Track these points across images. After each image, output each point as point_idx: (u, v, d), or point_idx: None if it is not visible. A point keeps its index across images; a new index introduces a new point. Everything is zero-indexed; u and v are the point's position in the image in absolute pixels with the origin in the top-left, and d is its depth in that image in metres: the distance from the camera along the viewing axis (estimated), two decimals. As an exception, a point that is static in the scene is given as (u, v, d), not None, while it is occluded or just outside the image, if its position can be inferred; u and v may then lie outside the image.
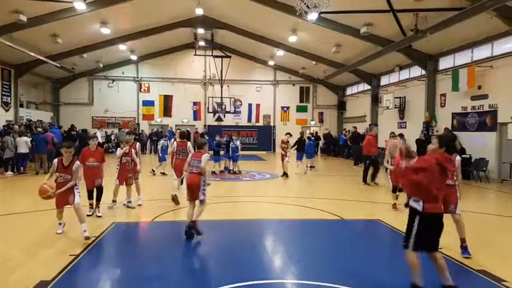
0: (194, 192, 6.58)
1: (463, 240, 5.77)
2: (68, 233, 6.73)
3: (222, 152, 15.95)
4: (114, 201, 8.87)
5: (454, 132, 16.30)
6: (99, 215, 7.91)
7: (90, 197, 8.05)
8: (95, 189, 8.04)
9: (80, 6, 15.31)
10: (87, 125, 26.60)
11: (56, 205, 6.48)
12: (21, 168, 15.75)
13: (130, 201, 9.03)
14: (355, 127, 24.84)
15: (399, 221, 7.35)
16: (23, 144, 15.52)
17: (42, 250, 5.84)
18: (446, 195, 5.13)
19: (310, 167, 17.71)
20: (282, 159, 15.65)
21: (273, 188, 13.14)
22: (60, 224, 6.76)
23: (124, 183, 8.90)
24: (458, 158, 5.81)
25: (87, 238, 6.16)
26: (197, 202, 6.65)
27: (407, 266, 4.33)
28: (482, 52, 15.38)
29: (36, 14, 16.28)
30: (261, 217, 8.56)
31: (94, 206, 8.03)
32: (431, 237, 4.22)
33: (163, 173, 15.22)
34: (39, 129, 17.85)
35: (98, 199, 8.08)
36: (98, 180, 8.03)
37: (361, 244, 6.73)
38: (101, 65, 26.83)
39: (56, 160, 6.51)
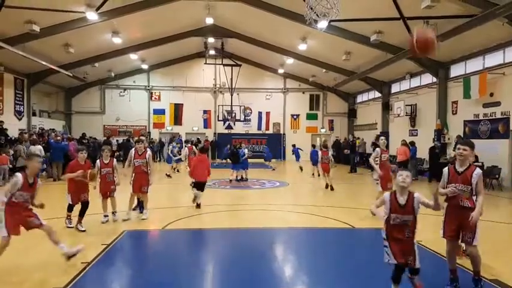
0: None
1: (476, 273, 4.75)
2: (79, 241, 6.76)
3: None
4: (105, 215, 8.26)
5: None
6: (82, 229, 7.40)
7: (70, 209, 7.67)
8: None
9: (92, 16, 15.60)
10: (98, 134, 26.93)
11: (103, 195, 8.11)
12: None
13: (106, 215, 8.24)
14: (353, 136, 25.85)
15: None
16: (36, 152, 15.70)
17: (54, 258, 5.86)
18: (462, 220, 4.56)
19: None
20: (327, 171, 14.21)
21: (283, 196, 13.09)
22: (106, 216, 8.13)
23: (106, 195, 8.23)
24: (478, 171, 4.61)
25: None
26: None
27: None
28: (493, 59, 15.25)
29: (49, 24, 16.60)
30: (271, 226, 8.51)
31: (78, 221, 7.50)
32: None
33: (168, 175, 15.48)
34: (58, 138, 18.21)
35: (82, 214, 7.53)
36: (85, 195, 7.59)
37: (373, 253, 6.64)
38: (113, 74, 27.21)
39: (98, 161, 8.22)
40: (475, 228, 4.54)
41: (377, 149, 9.47)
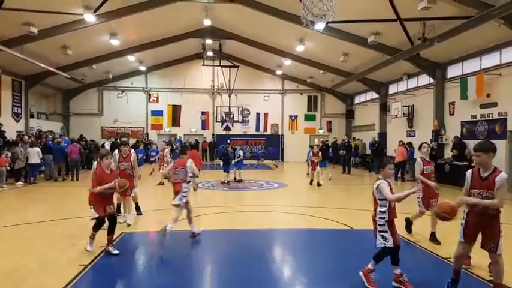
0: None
1: (496, 286, 4.53)
2: (77, 243, 6.77)
3: (233, 161, 16.09)
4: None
5: (464, 141, 16.19)
6: (115, 252, 6.19)
7: (97, 227, 6.33)
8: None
9: (90, 18, 15.60)
10: (96, 135, 26.89)
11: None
12: (32, 178, 15.93)
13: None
14: (348, 137, 26.02)
15: (407, 230, 7.29)
16: (35, 154, 15.76)
17: (52, 260, 5.88)
18: (484, 227, 4.43)
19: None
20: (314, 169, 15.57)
21: (281, 197, 13.10)
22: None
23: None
24: (503, 175, 4.38)
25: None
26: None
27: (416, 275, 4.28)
28: (490, 60, 15.30)
29: (46, 26, 16.59)
30: (269, 227, 8.53)
31: (108, 242, 6.30)
32: None
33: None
34: (59, 139, 18.53)
35: (112, 232, 6.36)
36: (110, 207, 6.42)
37: (371, 254, 6.66)
38: (111, 76, 27.20)
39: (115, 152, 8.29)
40: (498, 236, 4.34)
41: (418, 159, 7.33)
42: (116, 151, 8.54)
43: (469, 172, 4.62)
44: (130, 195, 8.34)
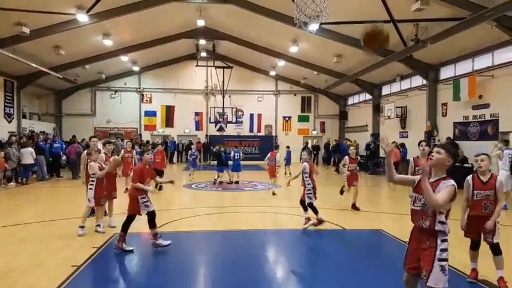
0: None
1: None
2: (70, 243, 6.72)
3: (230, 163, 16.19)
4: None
5: (456, 142, 16.28)
6: (166, 243, 6.50)
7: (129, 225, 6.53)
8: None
9: (83, 18, 15.52)
10: (89, 136, 26.65)
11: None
12: (24, 179, 15.80)
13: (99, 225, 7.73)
14: (339, 139, 26.65)
15: (402, 231, 7.30)
16: (28, 155, 15.64)
17: (44, 261, 5.83)
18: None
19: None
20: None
21: (275, 198, 13.09)
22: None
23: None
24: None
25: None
26: None
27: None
28: (483, 61, 15.42)
29: (39, 26, 16.46)
30: (262, 227, 8.53)
31: (154, 237, 6.57)
32: None
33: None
34: (56, 140, 19.11)
35: (154, 225, 6.60)
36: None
37: (363, 255, 6.68)
38: (103, 76, 27.07)
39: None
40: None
41: (411, 159, 7.47)
42: (102, 150, 8.53)
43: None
44: (115, 197, 8.28)
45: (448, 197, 3.20)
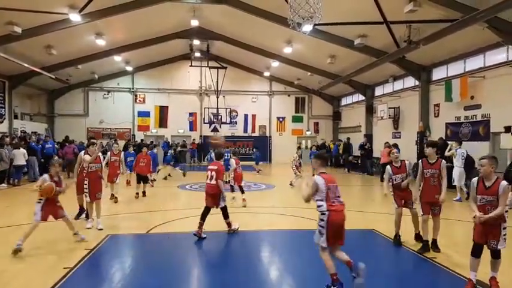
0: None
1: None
2: (62, 245, 6.68)
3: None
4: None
5: (448, 142, 16.39)
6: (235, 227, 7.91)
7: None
8: None
9: (75, 17, 15.41)
10: (82, 136, 26.51)
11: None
12: (16, 180, 15.66)
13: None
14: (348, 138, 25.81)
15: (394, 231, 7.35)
16: (21, 156, 15.50)
17: (36, 263, 5.79)
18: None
19: None
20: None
21: (269, 199, 13.12)
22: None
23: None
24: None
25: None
26: None
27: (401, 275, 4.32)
28: (474, 63, 15.55)
29: (31, 26, 16.31)
30: (256, 228, 8.52)
31: (200, 226, 7.46)
32: None
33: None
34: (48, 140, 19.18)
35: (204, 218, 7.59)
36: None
37: (356, 254, 6.69)
38: (96, 76, 26.89)
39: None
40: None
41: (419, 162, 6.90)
42: (82, 152, 8.50)
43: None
44: (100, 199, 8.13)
45: None
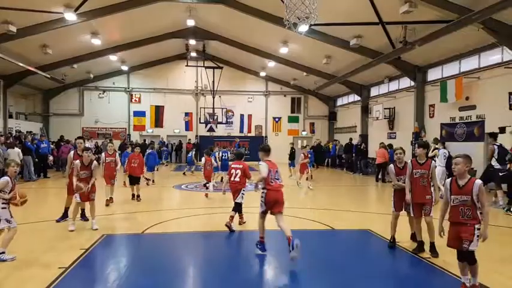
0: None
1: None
2: (56, 245, 6.65)
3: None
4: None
5: (444, 142, 16.49)
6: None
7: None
8: None
9: (71, 17, 15.37)
10: (77, 136, 26.33)
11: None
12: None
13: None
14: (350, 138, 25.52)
15: (389, 231, 7.38)
16: (15, 155, 15.39)
17: (31, 263, 5.75)
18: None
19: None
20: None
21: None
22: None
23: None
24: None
25: None
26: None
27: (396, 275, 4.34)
28: (469, 64, 15.65)
29: (26, 25, 16.26)
30: (251, 228, 8.51)
31: (231, 219, 8.09)
32: None
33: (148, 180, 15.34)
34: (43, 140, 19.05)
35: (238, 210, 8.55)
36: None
37: (351, 255, 6.73)
38: (92, 76, 26.80)
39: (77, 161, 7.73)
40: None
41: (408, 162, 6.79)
42: (72, 153, 8.39)
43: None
44: (94, 200, 7.98)
45: None
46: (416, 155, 6.67)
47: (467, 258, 4.56)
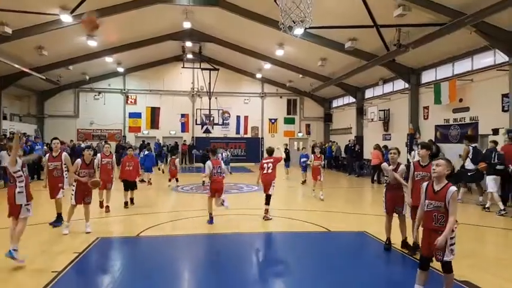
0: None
1: None
2: (49, 249, 6.65)
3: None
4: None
5: (438, 144, 16.59)
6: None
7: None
8: None
9: (66, 18, 15.32)
10: (72, 138, 26.34)
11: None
12: (3, 181, 15.50)
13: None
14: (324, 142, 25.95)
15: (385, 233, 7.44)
16: (8, 157, 15.31)
17: (24, 267, 5.74)
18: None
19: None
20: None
21: (261, 200, 13.10)
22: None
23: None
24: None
25: None
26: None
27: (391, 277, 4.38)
28: (462, 66, 15.77)
29: (21, 26, 16.22)
30: (248, 230, 8.55)
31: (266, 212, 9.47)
32: None
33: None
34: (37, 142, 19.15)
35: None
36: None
37: (347, 257, 6.77)
38: (87, 77, 26.72)
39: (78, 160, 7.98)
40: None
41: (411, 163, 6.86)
42: (79, 160, 8.11)
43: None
44: (89, 203, 7.93)
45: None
46: (420, 157, 6.41)
47: (443, 267, 4.41)
